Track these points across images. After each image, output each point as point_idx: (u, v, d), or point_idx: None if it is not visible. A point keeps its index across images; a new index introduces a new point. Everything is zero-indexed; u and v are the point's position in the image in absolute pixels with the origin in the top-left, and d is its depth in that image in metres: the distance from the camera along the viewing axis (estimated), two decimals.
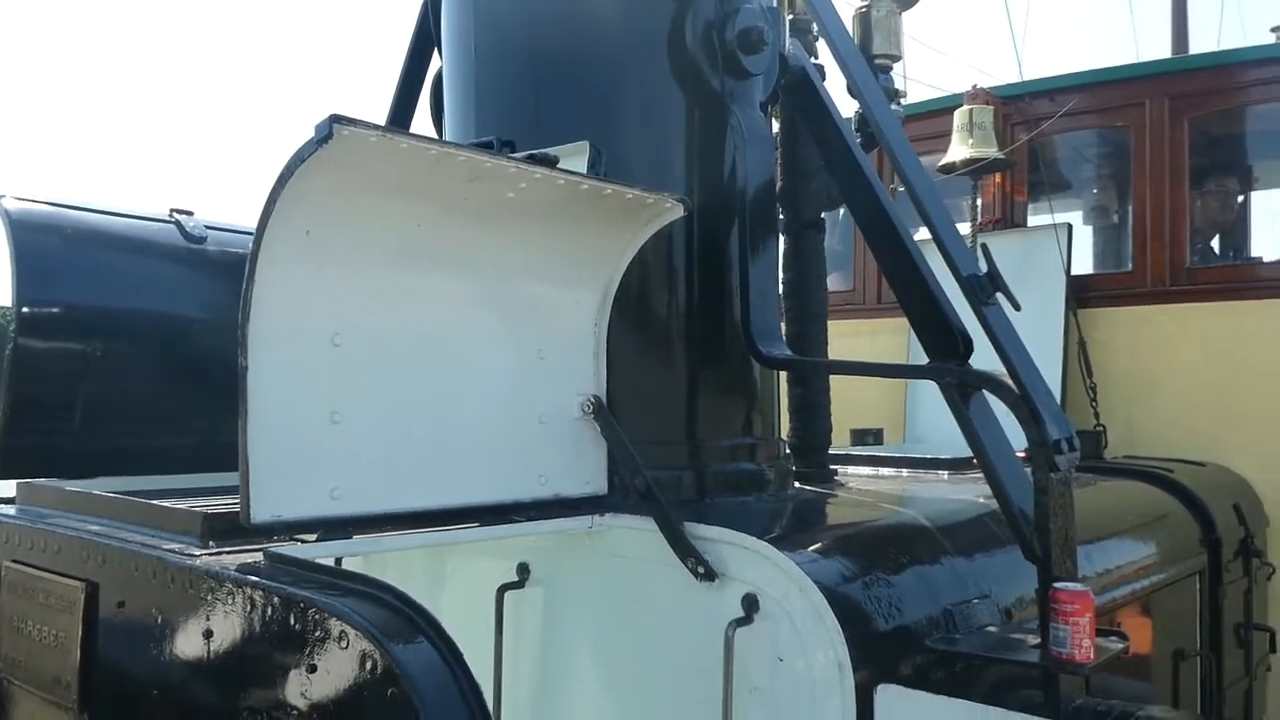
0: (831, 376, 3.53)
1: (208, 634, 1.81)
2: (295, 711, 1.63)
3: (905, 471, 4.23)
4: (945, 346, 2.59)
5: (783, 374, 3.31)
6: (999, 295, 2.52)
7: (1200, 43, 8.91)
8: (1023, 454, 2.49)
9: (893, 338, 5.65)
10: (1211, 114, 5.71)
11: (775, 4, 3.09)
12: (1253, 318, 5.37)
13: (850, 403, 5.03)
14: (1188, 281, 5.58)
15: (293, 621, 1.63)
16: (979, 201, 5.83)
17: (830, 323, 3.61)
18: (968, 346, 2.55)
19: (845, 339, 5.46)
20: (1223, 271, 5.80)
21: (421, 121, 3.48)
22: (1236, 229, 6.29)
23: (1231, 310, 5.43)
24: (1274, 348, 5.30)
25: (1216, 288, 5.52)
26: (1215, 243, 6.28)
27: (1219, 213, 6.30)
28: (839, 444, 4.31)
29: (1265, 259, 6.06)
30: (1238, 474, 5.31)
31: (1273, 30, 5.72)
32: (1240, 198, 6.37)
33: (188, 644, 1.87)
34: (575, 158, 2.56)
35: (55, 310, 2.91)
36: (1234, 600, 4.64)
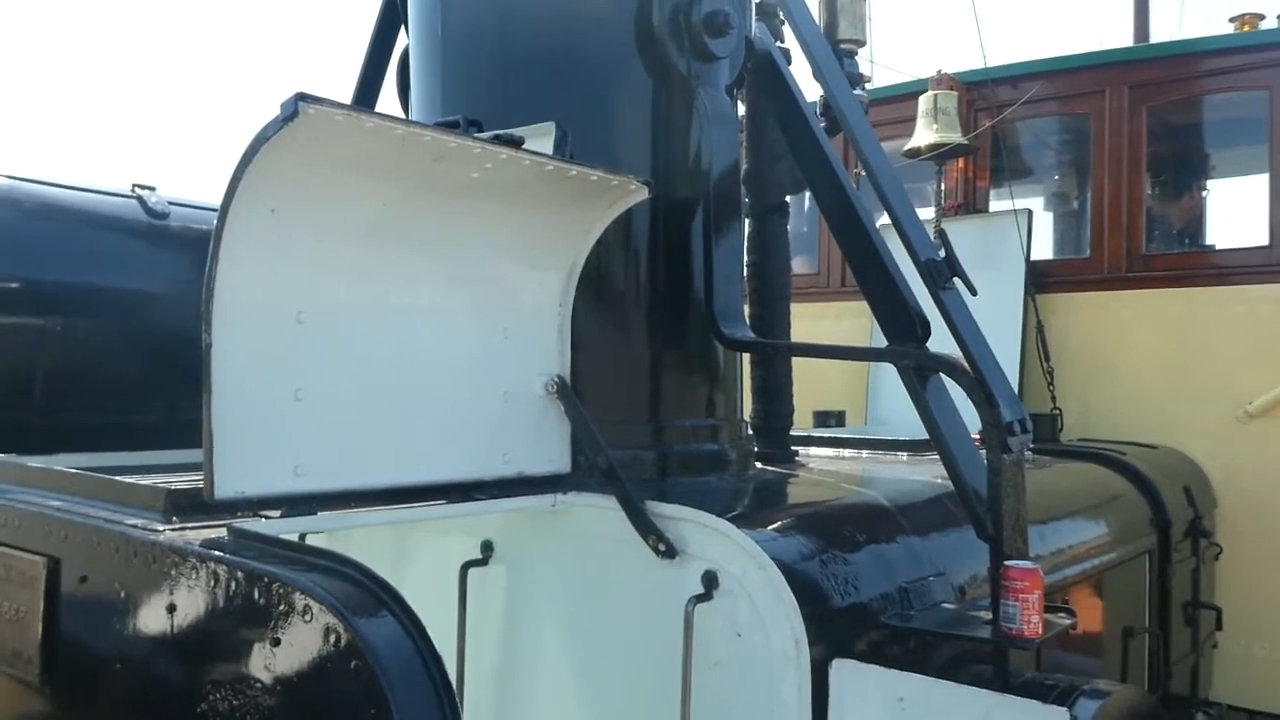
0: (795, 359, 3.58)
1: (171, 609, 1.82)
2: (259, 685, 1.65)
3: (865, 453, 4.29)
4: (903, 330, 2.64)
5: (746, 356, 3.36)
6: (956, 280, 2.57)
7: (1162, 32, 9.00)
8: (978, 436, 2.55)
9: (856, 320, 5.71)
10: (1170, 103, 5.81)
11: None
12: (1205, 304, 5.49)
13: (813, 385, 5.09)
14: (1143, 268, 5.69)
15: (256, 596, 1.64)
16: (943, 186, 5.90)
17: (795, 305, 3.65)
18: (925, 330, 2.60)
19: (810, 321, 5.53)
20: (1177, 258, 5.91)
21: (388, 99, 3.47)
22: (1193, 217, 6.40)
23: (1185, 296, 5.54)
24: (1225, 333, 5.42)
25: (1171, 274, 5.64)
26: (1172, 230, 6.39)
27: (1176, 200, 6.42)
28: (802, 425, 4.38)
29: (1219, 246, 6.18)
30: (1188, 457, 5.44)
31: (1231, 20, 5.80)
32: (1197, 186, 6.49)
33: (151, 619, 1.88)
34: (541, 138, 2.57)
35: (14, 285, 2.88)
36: (1182, 579, 4.76)
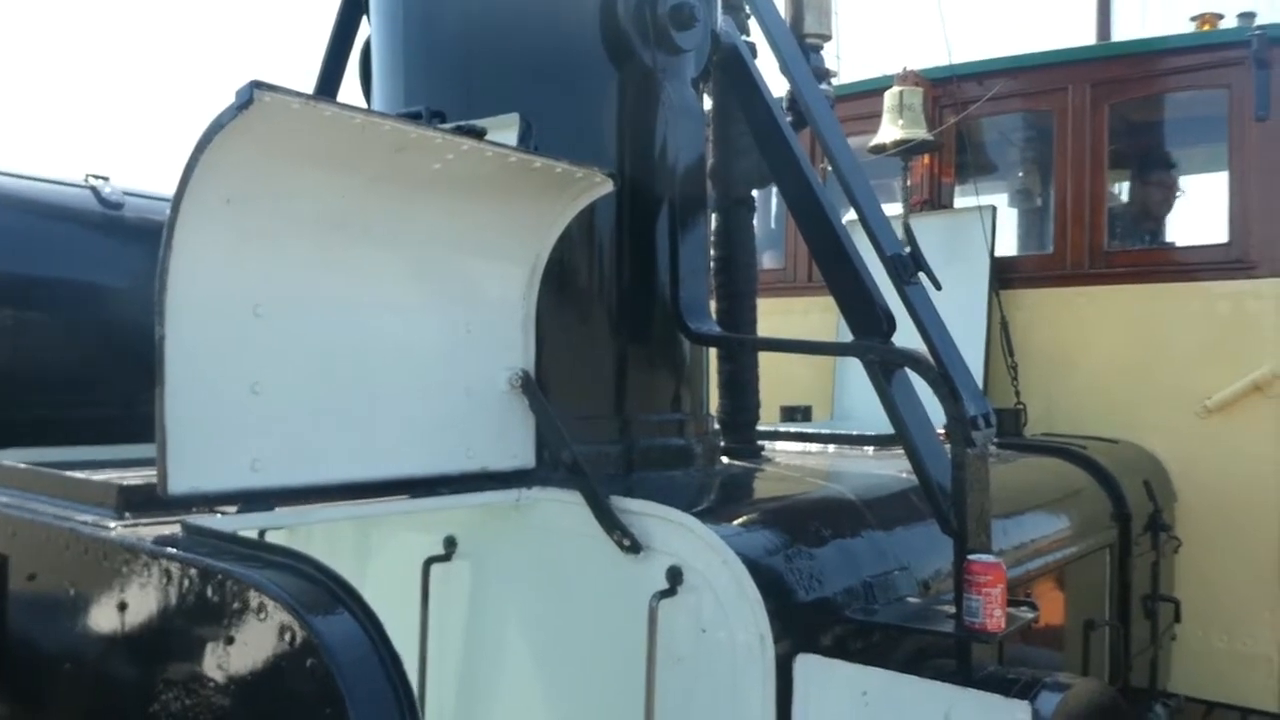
0: (762, 354, 3.57)
1: (122, 606, 1.78)
2: (213, 684, 1.61)
3: (832, 447, 4.30)
4: (869, 324, 2.64)
5: (713, 350, 3.35)
6: (921, 275, 2.57)
7: (1125, 30, 9.11)
8: (943, 431, 2.55)
9: (824, 315, 5.72)
10: (1132, 100, 5.86)
11: None
12: (1166, 300, 5.55)
13: (781, 380, 5.09)
14: (1105, 264, 5.74)
15: (210, 593, 1.61)
16: (908, 182, 5.92)
17: (762, 300, 3.65)
18: (891, 325, 2.60)
19: (777, 316, 5.55)
20: (1139, 255, 5.97)
21: (350, 89, 3.42)
22: (1154, 214, 6.47)
23: (1146, 293, 5.60)
24: (1185, 329, 5.49)
25: (1132, 270, 5.69)
26: (1134, 227, 6.46)
27: (1138, 197, 6.49)
28: (769, 420, 4.38)
29: (1179, 244, 6.25)
30: (1149, 451, 5.50)
31: (1192, 19, 5.86)
32: (1158, 183, 6.56)
33: (102, 617, 1.84)
34: (505, 130, 2.54)
35: None
36: (1142, 572, 4.82)
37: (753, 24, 3.27)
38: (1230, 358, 5.36)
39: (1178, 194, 6.50)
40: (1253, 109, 5.26)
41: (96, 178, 3.13)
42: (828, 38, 3.69)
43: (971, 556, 2.28)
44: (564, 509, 2.46)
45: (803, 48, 3.55)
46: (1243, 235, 5.38)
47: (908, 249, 2.58)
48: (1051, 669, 3.76)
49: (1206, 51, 5.53)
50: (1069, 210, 5.81)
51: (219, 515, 1.98)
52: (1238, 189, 5.41)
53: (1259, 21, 5.51)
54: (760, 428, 3.63)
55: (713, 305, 3.38)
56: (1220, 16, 5.75)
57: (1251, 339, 5.33)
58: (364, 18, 3.23)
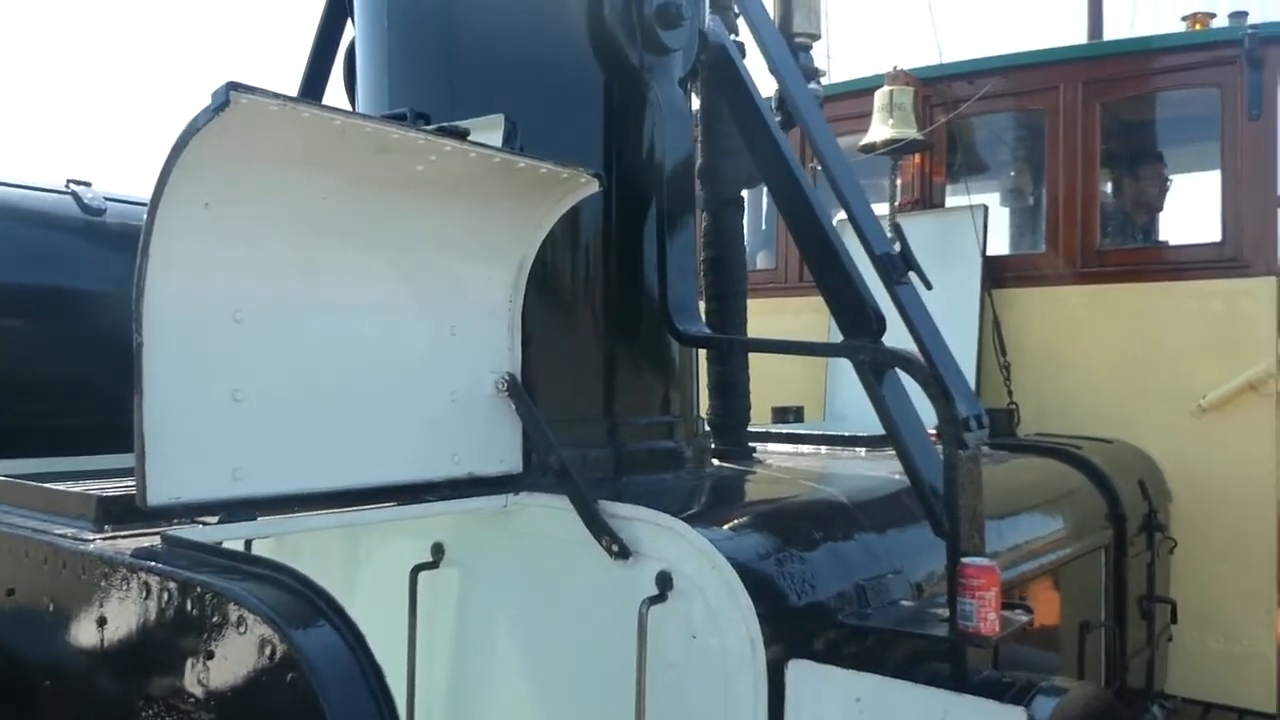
0: (753, 354, 3.55)
1: (102, 621, 1.75)
2: (193, 699, 1.58)
3: (824, 449, 4.28)
4: (859, 324, 2.61)
5: (703, 352, 3.32)
6: (911, 274, 2.54)
7: (1116, 29, 9.12)
8: (934, 432, 2.52)
9: (815, 316, 5.67)
10: (1123, 99, 5.85)
11: None
12: (1159, 299, 5.54)
13: (772, 381, 5.07)
14: (1098, 263, 5.73)
15: (189, 607, 1.58)
16: (899, 182, 5.91)
17: (754, 300, 3.63)
18: (881, 325, 2.58)
19: (769, 316, 5.52)
20: (1131, 254, 5.96)
21: (335, 90, 3.39)
22: (1146, 213, 6.46)
23: (1139, 292, 5.59)
24: (1179, 328, 5.47)
25: (1125, 269, 5.68)
26: (1126, 226, 6.45)
27: (1130, 196, 6.47)
28: (761, 421, 4.34)
29: (1172, 242, 6.24)
30: (1143, 451, 5.48)
31: (1183, 19, 5.86)
32: (1150, 182, 6.55)
33: (81, 632, 1.81)
34: (490, 131, 2.52)
35: None
36: (1137, 573, 4.80)
37: (741, 23, 3.25)
38: (1224, 356, 5.35)
39: (1168, 192, 6.49)
40: (1245, 108, 5.25)
41: (78, 183, 3.09)
42: (817, 37, 3.67)
43: (964, 559, 2.26)
44: (552, 514, 2.43)
45: (791, 47, 3.53)
46: (1235, 234, 5.37)
47: (897, 248, 2.55)
48: (1047, 671, 3.75)
49: (1198, 51, 5.52)
50: (1061, 209, 5.80)
51: (201, 526, 1.95)
52: (1230, 188, 5.40)
53: (1251, 20, 5.50)
54: (752, 429, 3.61)
55: (703, 306, 3.36)
56: (1212, 16, 5.74)
57: (1245, 337, 5.32)
58: (348, 19, 3.20)
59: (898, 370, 2.54)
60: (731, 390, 3.48)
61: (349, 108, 3.18)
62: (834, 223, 2.81)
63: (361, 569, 2.91)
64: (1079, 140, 5.71)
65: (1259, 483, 5.32)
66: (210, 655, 1.55)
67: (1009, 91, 5.92)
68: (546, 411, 2.52)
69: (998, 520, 3.47)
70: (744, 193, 3.55)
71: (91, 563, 1.79)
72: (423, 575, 2.64)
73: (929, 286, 2.56)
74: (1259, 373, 5.25)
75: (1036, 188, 6.60)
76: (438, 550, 2.66)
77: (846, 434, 4.28)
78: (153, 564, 1.66)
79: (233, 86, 1.63)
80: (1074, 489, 4.48)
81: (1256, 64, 5.21)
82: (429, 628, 2.66)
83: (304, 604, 1.53)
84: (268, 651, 1.47)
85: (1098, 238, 5.78)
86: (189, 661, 1.59)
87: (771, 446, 4.12)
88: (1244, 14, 5.59)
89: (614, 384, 2.84)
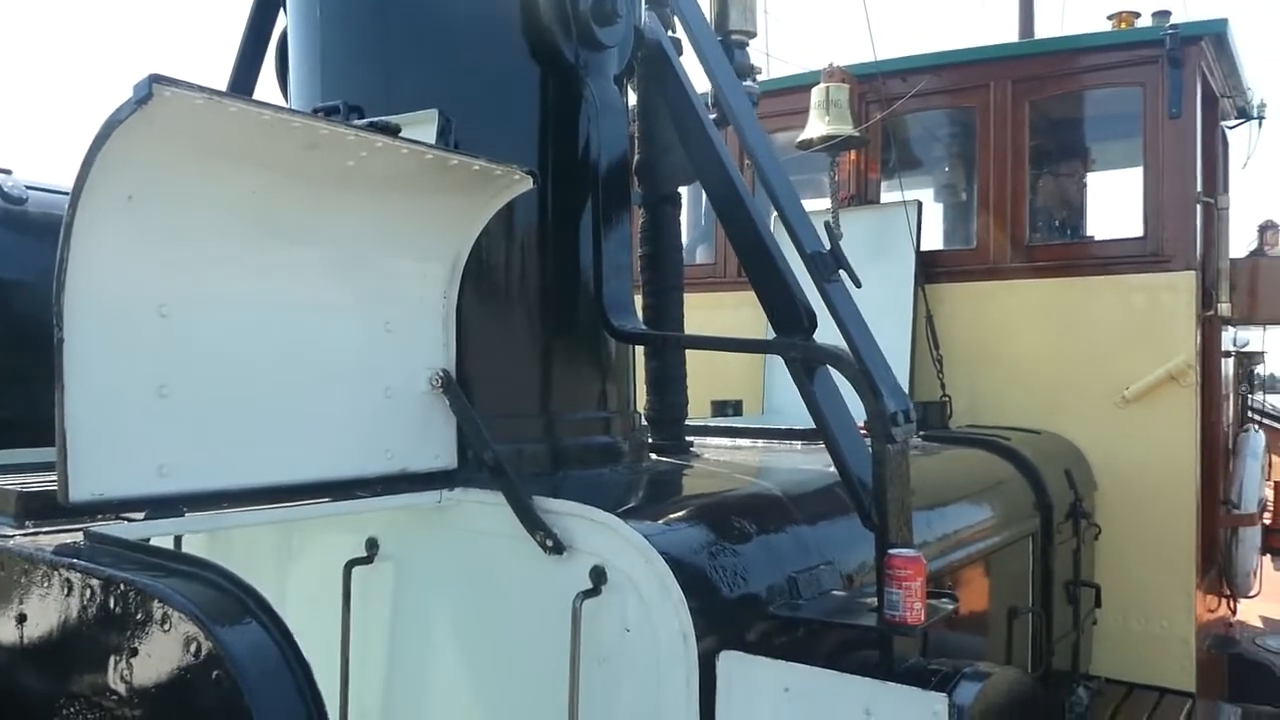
0: (693, 348, 3.57)
1: (21, 619, 1.72)
2: (116, 698, 1.57)
3: (760, 443, 4.32)
4: (791, 322, 2.65)
5: (640, 347, 3.34)
6: (841, 272, 2.59)
7: (1046, 27, 9.31)
8: (864, 426, 2.57)
9: (754, 310, 5.67)
10: (1051, 97, 5.98)
11: None
12: (1085, 293, 5.68)
13: (713, 374, 5.12)
14: (1026, 258, 5.86)
15: (112, 604, 1.56)
16: (836, 178, 5.98)
17: (694, 295, 3.65)
18: (812, 322, 2.62)
19: (708, 311, 5.56)
20: (1058, 249, 6.10)
21: (267, 82, 3.35)
22: (1073, 208, 6.62)
23: (1066, 286, 5.73)
24: (1103, 321, 5.63)
25: (1052, 264, 5.82)
26: (1054, 221, 6.60)
27: (1058, 192, 6.63)
28: (701, 415, 4.38)
29: (1097, 238, 6.40)
30: (1069, 441, 5.63)
31: (1109, 18, 5.99)
32: (1078, 178, 6.71)
33: (1, 630, 1.77)
34: (424, 126, 2.50)
35: None
36: (1064, 560, 4.93)
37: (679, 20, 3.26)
38: (1147, 349, 5.51)
39: (1085, 188, 6.66)
40: (1166, 107, 5.40)
41: None
42: (752, 34, 3.70)
43: (892, 551, 2.31)
44: (486, 510, 2.43)
45: (728, 44, 3.56)
46: (1157, 229, 5.53)
47: (828, 246, 2.60)
48: (975, 657, 3.84)
49: (1122, 50, 5.66)
50: (991, 205, 5.92)
51: (125, 522, 1.92)
52: (1152, 185, 5.56)
53: (1174, 20, 5.64)
54: (689, 423, 3.64)
55: (640, 301, 3.38)
56: (1137, 15, 5.87)
57: (1166, 330, 5.49)
58: (280, 9, 3.16)
59: (829, 366, 2.59)
60: (668, 385, 3.51)
61: (281, 99, 3.14)
62: (771, 221, 2.85)
63: (295, 564, 2.89)
64: (1008, 137, 5.83)
65: (1180, 471, 5.49)
66: (134, 653, 1.54)
67: (941, 89, 6.02)
68: (482, 407, 2.52)
69: (928, 510, 3.55)
70: (682, 189, 3.57)
71: (10, 559, 1.76)
72: (356, 570, 2.63)
73: (858, 285, 2.60)
74: (1179, 364, 5.42)
75: (968, 184, 6.73)
76: (372, 545, 2.65)
77: (782, 428, 4.33)
78: (74, 560, 1.64)
79: (156, 79, 1.61)
80: (1002, 479, 4.59)
81: (1176, 63, 5.36)
82: (363, 623, 2.65)
83: (230, 601, 1.52)
84: (193, 649, 1.46)
85: (1027, 233, 5.91)
86: (112, 659, 1.57)
87: (709, 441, 4.16)
88: (1166, 13, 5.72)
89: (550, 380, 2.85)
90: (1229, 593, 6.72)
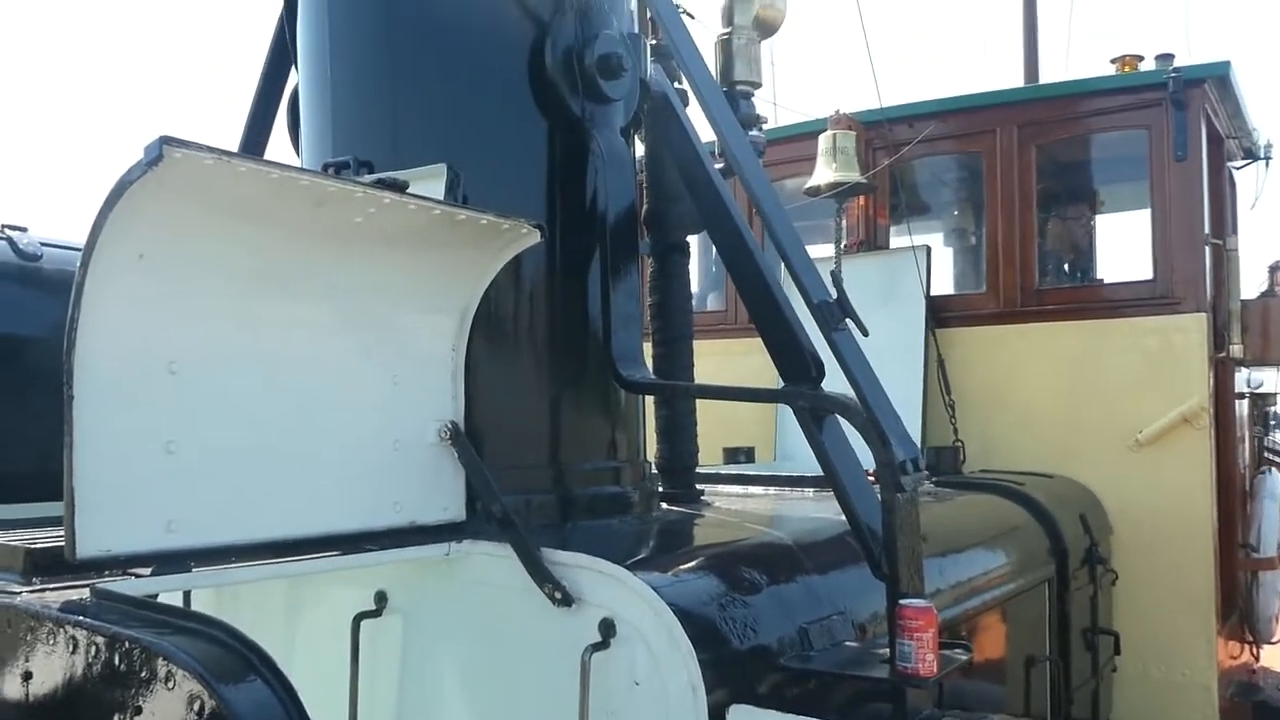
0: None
1: (27, 676, 1.71)
2: None
3: (771, 490, 4.30)
4: (798, 370, 2.65)
5: (649, 396, 3.34)
6: (848, 321, 2.59)
7: (1051, 72, 9.38)
8: (873, 474, 2.56)
9: (764, 357, 5.71)
10: (1057, 141, 6.01)
11: (636, 30, 3.13)
12: (1096, 336, 5.67)
13: (724, 421, 5.10)
14: (1036, 302, 5.86)
15: (117, 662, 1.56)
16: (844, 224, 6.00)
17: (705, 342, 3.66)
18: (820, 370, 2.62)
19: (718, 358, 5.55)
20: (1068, 293, 6.10)
21: (279, 137, 3.39)
22: (1082, 251, 6.62)
23: (1077, 329, 5.72)
24: (1115, 364, 5.60)
25: (1063, 308, 5.81)
26: (1063, 265, 6.60)
27: (1067, 236, 6.64)
28: (713, 462, 4.35)
29: (1107, 280, 6.40)
30: (1084, 485, 5.58)
31: (1112, 62, 6.03)
32: (1086, 222, 6.72)
33: (5, 686, 1.77)
34: (433, 180, 2.53)
35: None
36: (1080, 606, 4.87)
37: None
38: (1159, 391, 5.48)
39: (1093, 231, 6.65)
40: (1171, 149, 5.42)
41: (13, 229, 3.06)
42: (758, 85, 3.74)
43: (903, 601, 2.29)
44: (495, 562, 2.42)
45: (733, 95, 3.60)
46: (1166, 272, 5.52)
47: (834, 295, 2.60)
48: (992, 707, 3.78)
49: (1126, 93, 5.70)
50: (1000, 249, 5.93)
51: (132, 578, 1.92)
52: (1159, 227, 5.56)
53: (1177, 63, 5.67)
54: (700, 470, 3.63)
55: (649, 350, 3.39)
56: (1140, 58, 5.91)
57: (1179, 372, 5.46)
58: (292, 67, 3.21)
59: (837, 415, 2.58)
60: (678, 433, 3.50)
61: (293, 154, 3.19)
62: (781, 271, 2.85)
63: (303, 618, 2.88)
64: (1016, 182, 5.86)
65: (1196, 514, 5.43)
66: (139, 711, 1.53)
67: (948, 135, 6.06)
68: (492, 458, 2.52)
69: (940, 558, 3.52)
70: (692, 237, 3.59)
71: (17, 616, 1.75)
72: (365, 624, 2.62)
73: (865, 334, 2.61)
74: (1192, 406, 5.38)
75: (977, 228, 6.75)
76: (380, 598, 2.64)
77: (793, 475, 4.31)
78: (79, 618, 1.64)
79: (166, 140, 1.64)
80: (1017, 525, 4.55)
81: (1180, 106, 5.38)
82: (371, 676, 2.63)
83: (234, 658, 1.52)
84: (196, 707, 1.46)
85: (1036, 277, 5.91)
86: (116, 718, 1.56)
87: (720, 488, 4.14)
88: (1170, 56, 5.75)
89: (559, 430, 2.85)
90: (1251, 639, 6.61)
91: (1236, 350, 5.83)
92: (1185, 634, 5.43)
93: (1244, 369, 6.56)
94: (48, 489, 2.78)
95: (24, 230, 3.05)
